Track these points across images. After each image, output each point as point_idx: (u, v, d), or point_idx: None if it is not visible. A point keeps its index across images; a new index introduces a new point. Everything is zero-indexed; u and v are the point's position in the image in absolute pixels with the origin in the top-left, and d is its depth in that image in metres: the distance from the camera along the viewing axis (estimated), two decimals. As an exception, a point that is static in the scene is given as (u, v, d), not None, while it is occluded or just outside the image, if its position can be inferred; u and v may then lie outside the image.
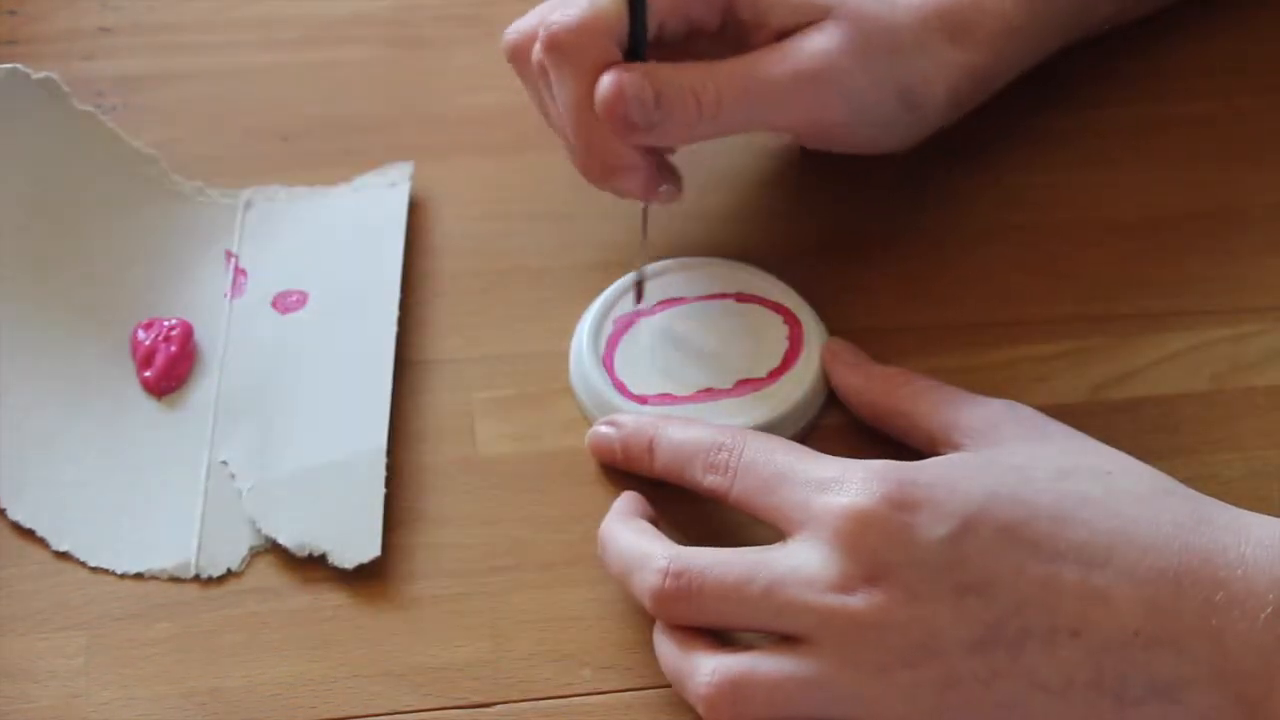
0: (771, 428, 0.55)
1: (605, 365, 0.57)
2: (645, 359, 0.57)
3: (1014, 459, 0.49)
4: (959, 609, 0.45)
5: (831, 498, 0.47)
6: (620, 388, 0.56)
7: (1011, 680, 0.45)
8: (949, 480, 0.47)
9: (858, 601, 0.46)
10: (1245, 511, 0.47)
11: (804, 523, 0.48)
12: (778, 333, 0.58)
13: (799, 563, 0.47)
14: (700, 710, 0.47)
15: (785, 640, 0.47)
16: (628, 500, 0.53)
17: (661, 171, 0.57)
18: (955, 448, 0.52)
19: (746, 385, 0.56)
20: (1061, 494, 0.47)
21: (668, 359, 0.57)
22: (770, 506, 0.49)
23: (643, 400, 0.56)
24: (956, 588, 0.45)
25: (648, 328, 0.58)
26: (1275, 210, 0.64)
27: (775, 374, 0.57)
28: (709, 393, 0.56)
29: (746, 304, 0.59)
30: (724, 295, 0.59)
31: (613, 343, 0.58)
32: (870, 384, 0.56)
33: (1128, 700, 0.45)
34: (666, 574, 0.48)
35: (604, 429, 0.55)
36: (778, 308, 0.58)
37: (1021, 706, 0.45)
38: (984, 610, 0.45)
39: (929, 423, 0.53)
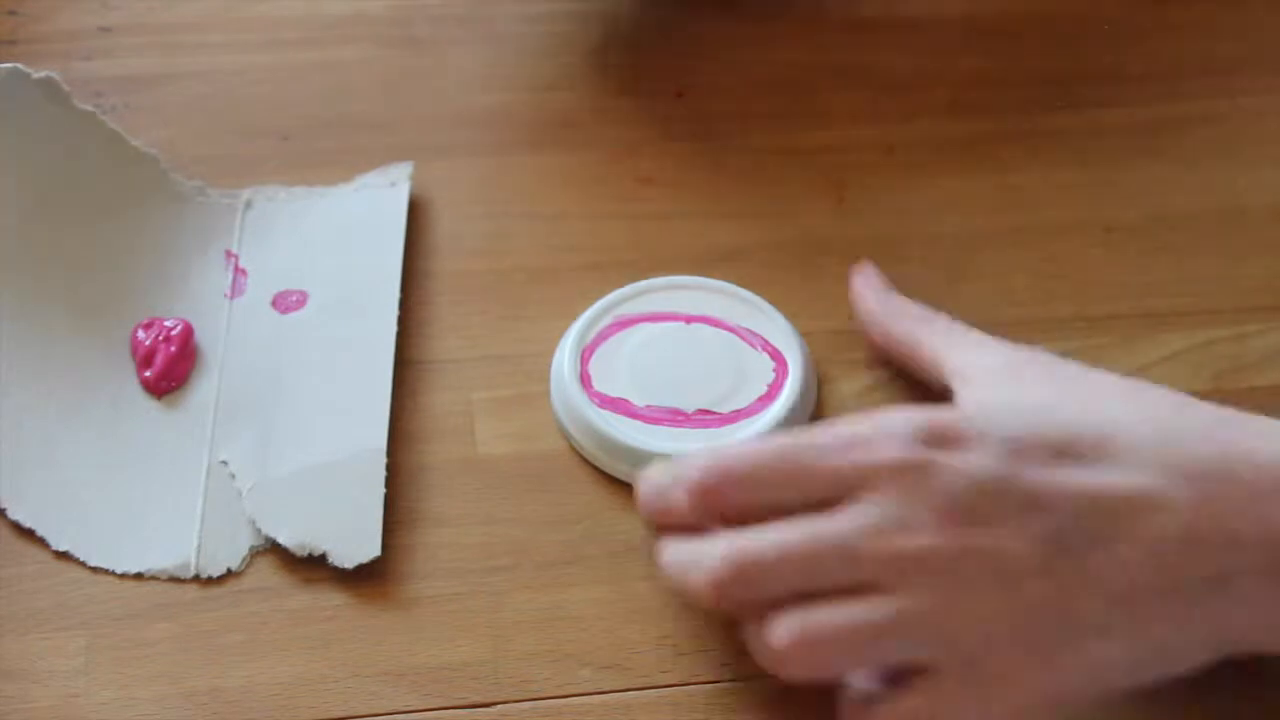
0: None
1: (581, 356, 0.57)
2: (622, 362, 0.57)
3: (1037, 397, 0.50)
4: (1023, 528, 0.46)
5: (874, 454, 0.47)
6: (584, 379, 0.56)
7: (1079, 592, 0.46)
8: (984, 412, 0.48)
9: (929, 540, 0.46)
10: (1263, 417, 0.49)
11: (855, 487, 0.47)
12: (759, 379, 0.57)
13: (862, 521, 0.46)
14: (773, 667, 0.47)
15: (849, 590, 0.46)
16: None
17: None
18: (974, 385, 0.52)
19: (704, 416, 0.56)
20: (1096, 415, 0.48)
21: (640, 369, 0.57)
22: (791, 490, 0.48)
23: (597, 397, 0.56)
24: (1018, 507, 0.46)
25: (640, 334, 0.58)
26: (1275, 210, 0.64)
27: (736, 415, 0.56)
28: (672, 413, 0.56)
29: (743, 344, 0.58)
30: (720, 323, 0.58)
31: (601, 337, 0.58)
32: (901, 310, 0.57)
33: (1185, 599, 0.45)
34: (726, 562, 0.47)
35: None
36: (774, 354, 0.57)
37: (1090, 616, 0.46)
38: (1047, 525, 0.46)
39: (952, 359, 0.54)
